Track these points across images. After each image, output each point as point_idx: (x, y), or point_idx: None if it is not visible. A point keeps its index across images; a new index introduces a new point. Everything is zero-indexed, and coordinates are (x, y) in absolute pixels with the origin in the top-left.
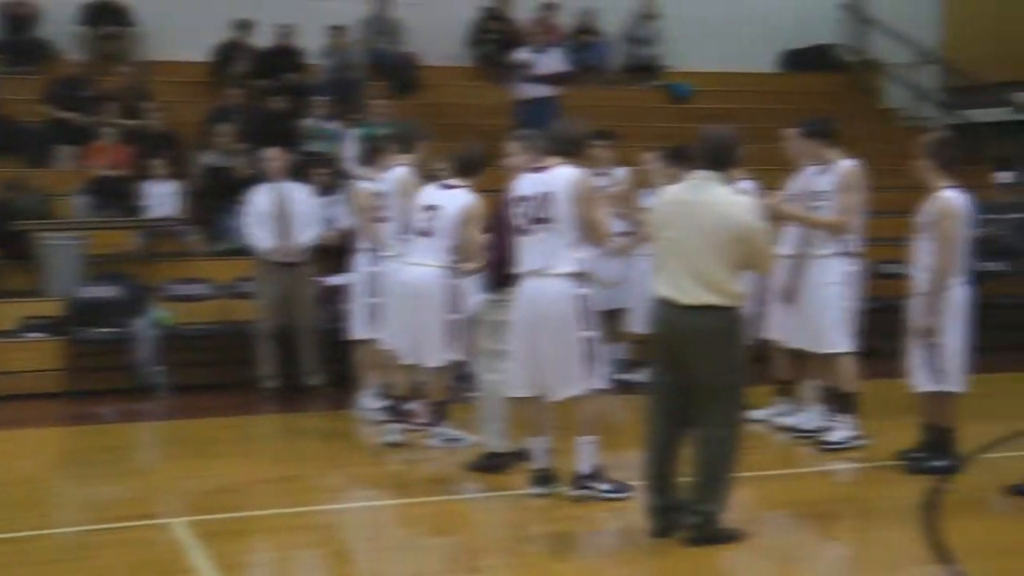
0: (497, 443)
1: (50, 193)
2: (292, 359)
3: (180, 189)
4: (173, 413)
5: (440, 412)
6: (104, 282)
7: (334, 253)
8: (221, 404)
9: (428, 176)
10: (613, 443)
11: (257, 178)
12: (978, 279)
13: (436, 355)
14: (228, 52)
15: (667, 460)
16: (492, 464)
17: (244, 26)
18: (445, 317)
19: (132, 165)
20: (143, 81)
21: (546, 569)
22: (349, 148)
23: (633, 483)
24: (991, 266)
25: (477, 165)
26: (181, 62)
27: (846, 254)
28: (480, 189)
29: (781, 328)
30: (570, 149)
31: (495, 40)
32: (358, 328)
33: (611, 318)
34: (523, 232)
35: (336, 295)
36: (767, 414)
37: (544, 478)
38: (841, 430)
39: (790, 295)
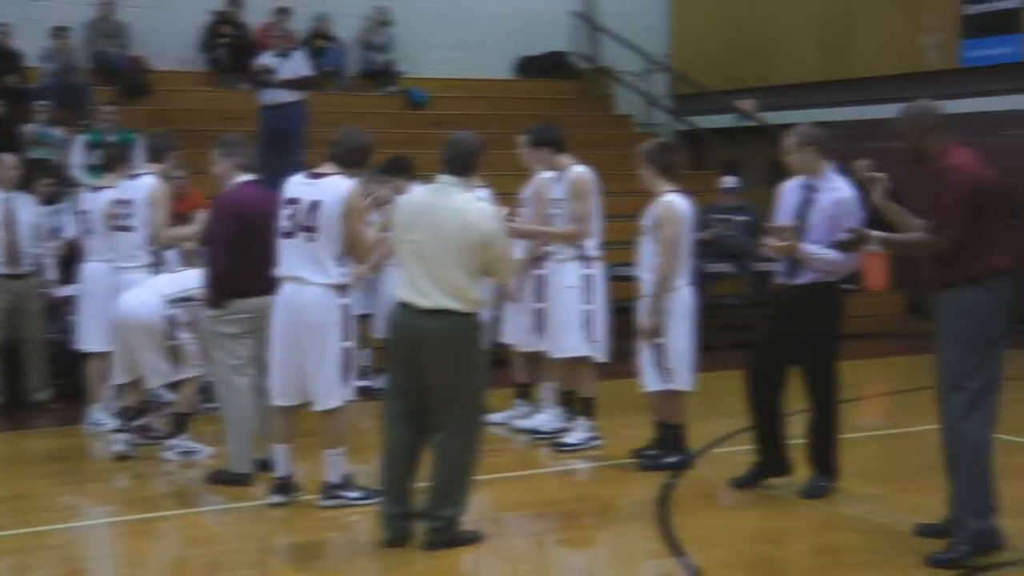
0: (238, 462)
1: None
2: (18, 374)
3: None
4: None
5: (181, 424)
6: None
7: (61, 264)
8: None
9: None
10: (355, 449)
11: None
12: (704, 280)
13: (157, 374)
14: None
15: (404, 467)
16: (232, 478)
17: None
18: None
19: None
20: None
21: None
22: (76, 155)
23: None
24: (718, 268)
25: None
26: None
27: (583, 258)
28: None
29: (518, 332)
30: (349, 159)
31: (228, 44)
32: (87, 340)
33: (359, 324)
34: (288, 236)
35: (64, 307)
36: (506, 417)
37: (285, 487)
38: (578, 432)
39: (517, 296)
